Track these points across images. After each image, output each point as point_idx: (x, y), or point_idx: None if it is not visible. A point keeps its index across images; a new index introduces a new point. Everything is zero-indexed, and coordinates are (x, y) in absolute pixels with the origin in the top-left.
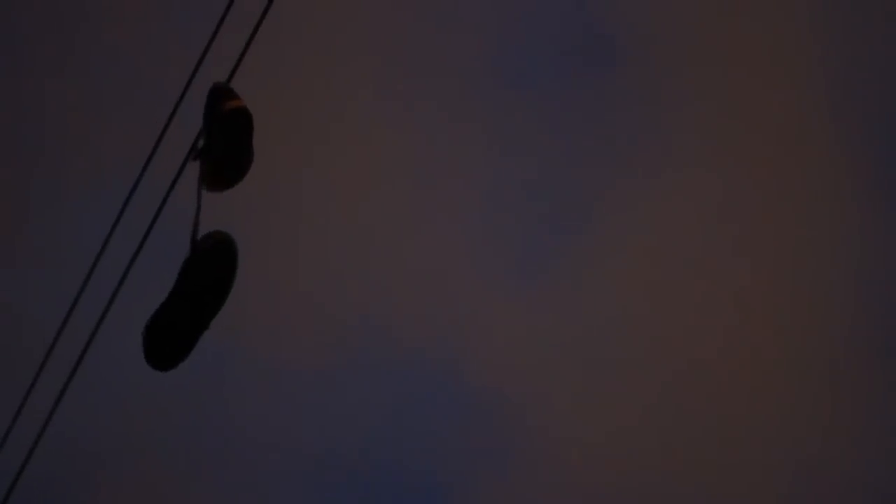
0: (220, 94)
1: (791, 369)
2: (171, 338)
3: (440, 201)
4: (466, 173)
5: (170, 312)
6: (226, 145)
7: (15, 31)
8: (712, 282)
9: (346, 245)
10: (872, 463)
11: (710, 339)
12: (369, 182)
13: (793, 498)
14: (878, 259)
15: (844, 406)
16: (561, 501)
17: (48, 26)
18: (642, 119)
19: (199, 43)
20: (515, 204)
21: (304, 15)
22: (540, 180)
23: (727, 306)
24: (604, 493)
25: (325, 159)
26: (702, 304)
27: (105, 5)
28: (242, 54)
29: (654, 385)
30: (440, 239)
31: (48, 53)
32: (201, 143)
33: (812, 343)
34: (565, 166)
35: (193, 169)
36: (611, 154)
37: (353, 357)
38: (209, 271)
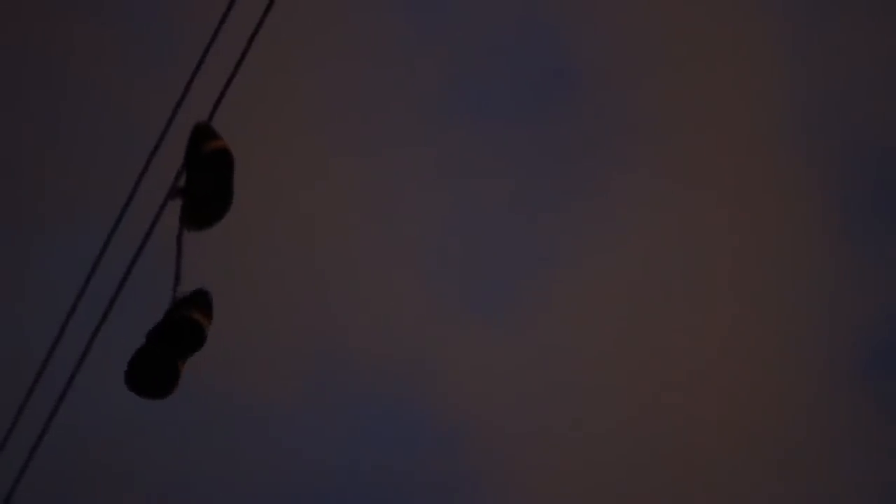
0: (203, 134)
1: (761, 402)
2: (151, 371)
3: (399, 236)
4: (424, 208)
5: (148, 353)
6: (208, 185)
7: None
8: (673, 313)
9: (308, 280)
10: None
11: (671, 366)
12: (329, 215)
13: None
14: (851, 286)
15: (821, 433)
16: None
17: (33, 64)
18: (599, 151)
19: (180, 80)
20: (473, 237)
21: (272, 51)
22: (498, 213)
23: (688, 337)
24: None
25: (287, 196)
26: (661, 335)
27: (88, 42)
28: (222, 94)
29: (616, 415)
30: (399, 273)
31: (30, 87)
32: (182, 181)
33: (785, 374)
34: (524, 199)
35: (174, 208)
36: (571, 185)
37: (318, 393)
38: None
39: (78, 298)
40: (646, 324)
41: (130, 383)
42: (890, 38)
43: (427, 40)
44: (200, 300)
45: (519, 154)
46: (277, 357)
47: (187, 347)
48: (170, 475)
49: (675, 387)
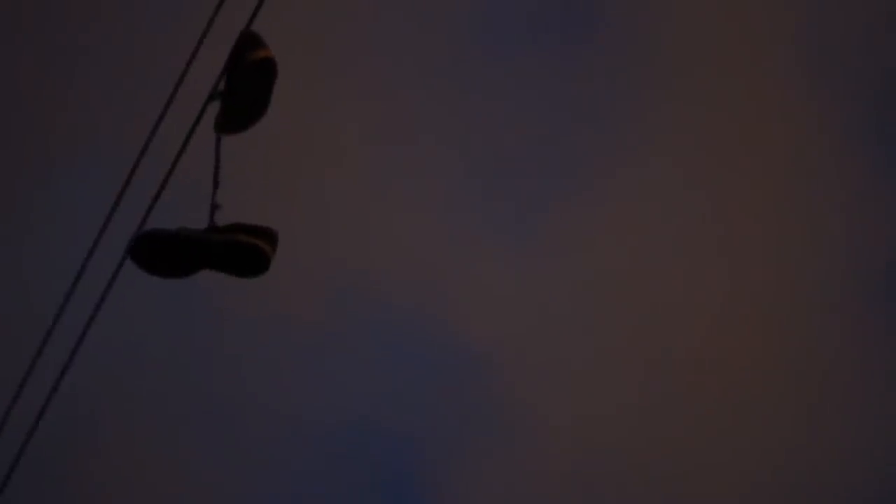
0: (250, 42)
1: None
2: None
3: (417, 165)
4: (443, 135)
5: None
6: (249, 92)
7: None
8: (693, 251)
9: (337, 206)
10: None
11: (697, 299)
12: (357, 146)
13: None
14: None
15: (829, 402)
16: (546, 460)
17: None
18: (623, 86)
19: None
20: (494, 164)
21: None
22: (522, 143)
23: (707, 277)
24: (586, 451)
25: (299, 128)
26: (683, 273)
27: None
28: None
29: (637, 350)
30: (417, 200)
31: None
32: (222, 85)
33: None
34: (548, 129)
35: (211, 113)
36: (592, 120)
37: (333, 322)
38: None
39: (114, 207)
40: (671, 255)
41: (140, 247)
42: None
43: None
44: (271, 237)
45: (539, 81)
46: (291, 288)
47: (243, 271)
48: (183, 395)
49: (703, 319)
